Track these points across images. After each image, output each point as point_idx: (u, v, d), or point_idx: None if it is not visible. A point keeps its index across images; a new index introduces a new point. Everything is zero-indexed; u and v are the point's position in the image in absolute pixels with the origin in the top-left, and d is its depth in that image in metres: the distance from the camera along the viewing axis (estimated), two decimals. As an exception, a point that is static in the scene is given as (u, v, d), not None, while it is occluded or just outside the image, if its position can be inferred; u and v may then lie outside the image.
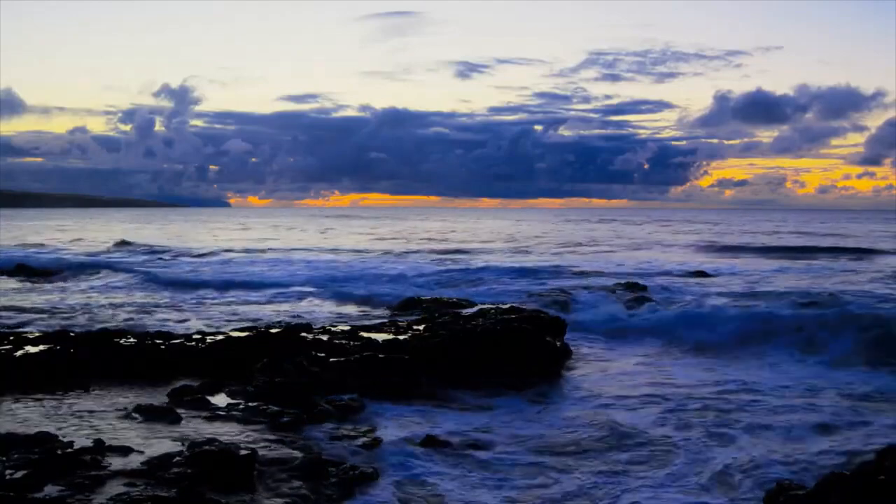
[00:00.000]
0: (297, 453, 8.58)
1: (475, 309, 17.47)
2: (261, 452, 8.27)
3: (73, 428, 9.34)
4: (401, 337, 14.55)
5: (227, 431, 9.31)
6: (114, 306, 22.19)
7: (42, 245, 49.48)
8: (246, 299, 24.32)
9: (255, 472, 7.83)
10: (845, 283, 28.21)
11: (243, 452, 7.97)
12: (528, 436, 10.47)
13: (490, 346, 13.56)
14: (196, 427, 9.53)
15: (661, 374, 14.15)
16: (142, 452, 8.15)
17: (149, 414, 9.93)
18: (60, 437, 8.50)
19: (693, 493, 8.45)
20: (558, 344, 14.52)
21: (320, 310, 22.10)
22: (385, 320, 17.90)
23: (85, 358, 12.58)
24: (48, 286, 28.09)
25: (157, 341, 13.85)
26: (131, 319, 19.55)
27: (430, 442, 9.70)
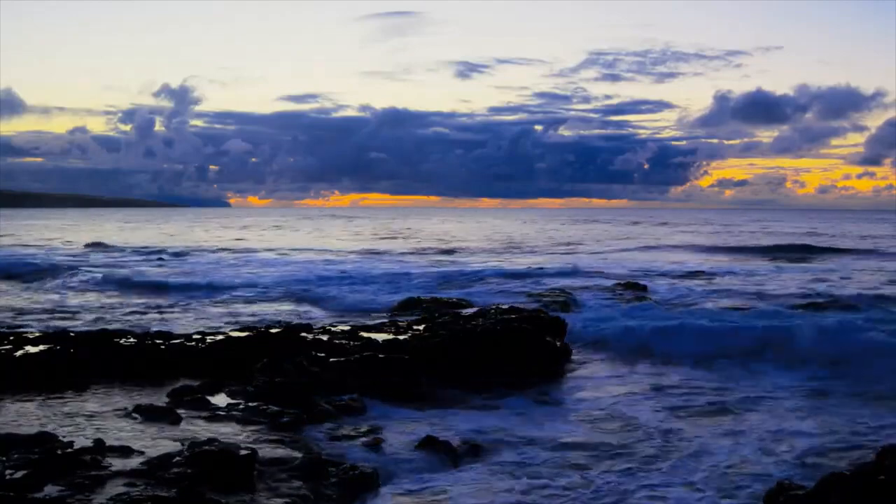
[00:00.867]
0: (297, 453, 8.58)
1: (475, 309, 17.48)
2: (261, 452, 8.26)
3: (73, 428, 9.34)
4: (401, 337, 14.55)
5: (227, 431, 9.31)
6: (57, 309, 21.64)
7: (8, 246, 48.51)
8: (201, 302, 23.36)
9: (255, 472, 7.83)
10: (840, 284, 28.26)
11: (243, 452, 7.96)
12: (527, 436, 10.46)
13: (490, 347, 13.55)
14: (196, 427, 9.53)
15: (662, 374, 14.15)
16: (142, 452, 8.15)
17: (149, 414, 9.93)
18: (60, 437, 8.50)
19: (693, 493, 8.45)
20: (558, 344, 14.51)
21: (278, 317, 20.54)
22: (385, 320, 17.91)
23: (85, 358, 12.59)
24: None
25: (157, 341, 13.85)
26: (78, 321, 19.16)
27: (429, 442, 9.68)
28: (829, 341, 15.48)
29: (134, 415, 9.97)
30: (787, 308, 21.03)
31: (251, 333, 14.51)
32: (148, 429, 9.36)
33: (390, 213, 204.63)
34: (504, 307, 17.05)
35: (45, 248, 48.09)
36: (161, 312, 21.32)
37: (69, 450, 7.98)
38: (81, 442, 8.36)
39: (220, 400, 10.98)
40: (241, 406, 10.54)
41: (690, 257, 41.92)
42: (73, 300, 23.99)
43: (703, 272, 32.00)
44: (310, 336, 14.47)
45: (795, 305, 21.67)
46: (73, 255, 42.44)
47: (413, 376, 12.60)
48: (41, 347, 12.95)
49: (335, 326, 16.17)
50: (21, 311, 21.12)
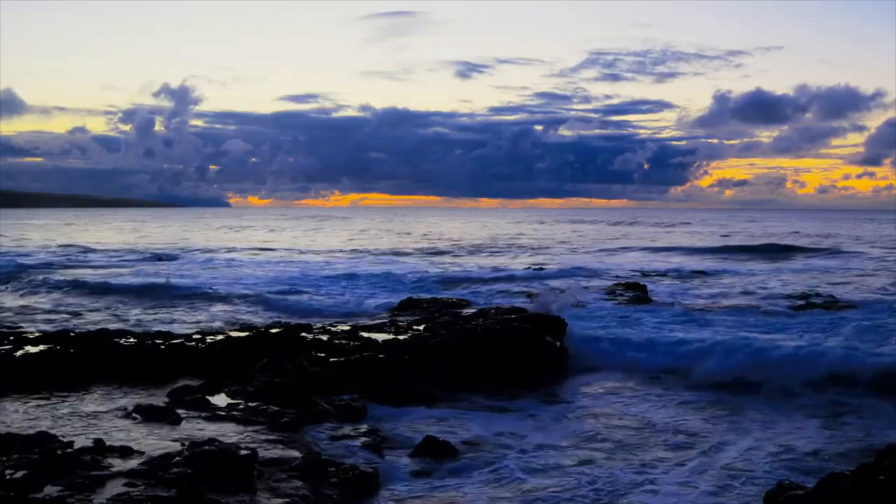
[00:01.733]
0: (297, 453, 8.58)
1: (475, 309, 17.48)
2: (261, 452, 8.26)
3: (73, 428, 9.35)
4: (401, 337, 14.55)
5: (227, 431, 9.31)
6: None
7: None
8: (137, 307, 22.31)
9: (255, 472, 7.83)
10: (835, 283, 28.27)
11: (243, 452, 7.96)
12: (527, 435, 10.47)
13: (490, 347, 13.55)
14: (196, 427, 9.53)
15: (662, 373, 14.14)
16: (142, 452, 8.15)
17: (149, 414, 9.92)
18: (60, 437, 8.50)
19: (694, 493, 8.45)
20: (559, 344, 14.51)
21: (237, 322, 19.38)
22: (385, 320, 17.91)
23: (85, 358, 12.59)
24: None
25: (157, 341, 13.86)
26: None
27: (429, 443, 9.68)
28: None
29: (134, 415, 9.97)
30: (784, 308, 21.13)
31: (251, 333, 14.52)
32: (148, 429, 9.36)
33: (390, 213, 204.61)
34: (504, 307, 17.07)
35: (12, 250, 45.01)
36: (78, 315, 20.50)
37: (69, 450, 7.98)
38: (81, 442, 8.36)
39: (220, 400, 10.98)
40: (241, 406, 10.54)
41: (690, 257, 41.91)
42: (12, 303, 23.10)
43: (703, 272, 32.00)
44: (310, 336, 14.48)
45: (792, 305, 21.70)
46: (38, 256, 40.82)
47: (413, 377, 12.61)
48: (41, 347, 12.96)
49: (335, 326, 16.17)
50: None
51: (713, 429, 10.76)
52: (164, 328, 16.94)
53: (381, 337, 14.57)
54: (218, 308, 22.34)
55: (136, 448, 8.29)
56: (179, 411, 10.10)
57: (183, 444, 8.27)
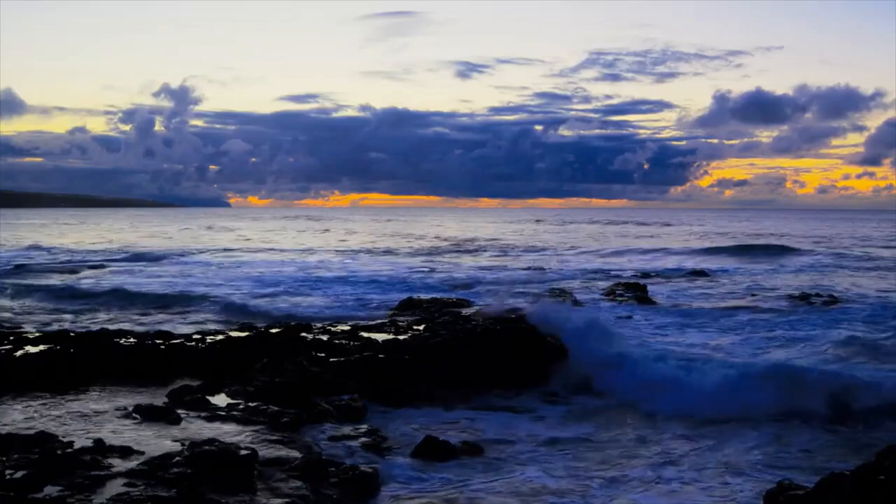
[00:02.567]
0: (297, 453, 8.58)
1: (475, 309, 17.48)
2: (261, 452, 8.26)
3: (73, 428, 9.34)
4: (401, 337, 14.55)
5: (227, 431, 9.31)
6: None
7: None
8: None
9: (255, 472, 7.83)
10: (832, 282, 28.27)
11: (243, 452, 7.96)
12: (527, 434, 10.48)
13: (490, 346, 13.55)
14: (196, 427, 9.53)
15: (662, 374, 14.11)
16: (142, 452, 8.15)
17: (149, 414, 9.92)
18: (60, 437, 8.50)
19: (694, 492, 8.45)
20: (558, 344, 14.50)
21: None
22: (385, 320, 17.90)
23: (85, 358, 12.59)
24: None
25: (157, 341, 13.85)
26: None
27: (429, 443, 9.69)
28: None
29: (134, 415, 9.97)
30: (782, 308, 21.15)
31: (251, 333, 14.51)
32: (148, 429, 9.36)
33: (390, 213, 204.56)
34: (504, 306, 17.05)
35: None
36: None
37: (69, 450, 7.98)
38: (81, 442, 8.36)
39: (220, 400, 10.97)
40: (241, 406, 10.54)
41: (691, 257, 41.89)
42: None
43: (703, 272, 31.99)
44: (310, 336, 14.47)
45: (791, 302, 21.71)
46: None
47: (413, 376, 12.61)
48: (41, 347, 12.96)
49: (335, 326, 16.17)
50: None
51: (712, 428, 10.75)
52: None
53: (381, 337, 14.57)
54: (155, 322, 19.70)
55: (136, 448, 8.29)
56: (179, 411, 10.09)
57: (183, 444, 8.27)
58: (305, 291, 25.74)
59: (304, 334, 14.54)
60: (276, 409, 10.27)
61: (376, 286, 27.06)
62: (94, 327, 16.98)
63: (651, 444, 10.11)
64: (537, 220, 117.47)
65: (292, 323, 16.65)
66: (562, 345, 14.55)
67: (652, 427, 10.89)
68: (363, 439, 9.77)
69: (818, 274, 32.32)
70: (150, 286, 26.49)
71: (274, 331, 14.64)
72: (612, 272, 32.37)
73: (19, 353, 12.65)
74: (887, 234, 69.09)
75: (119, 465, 7.73)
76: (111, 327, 16.29)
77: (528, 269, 34.96)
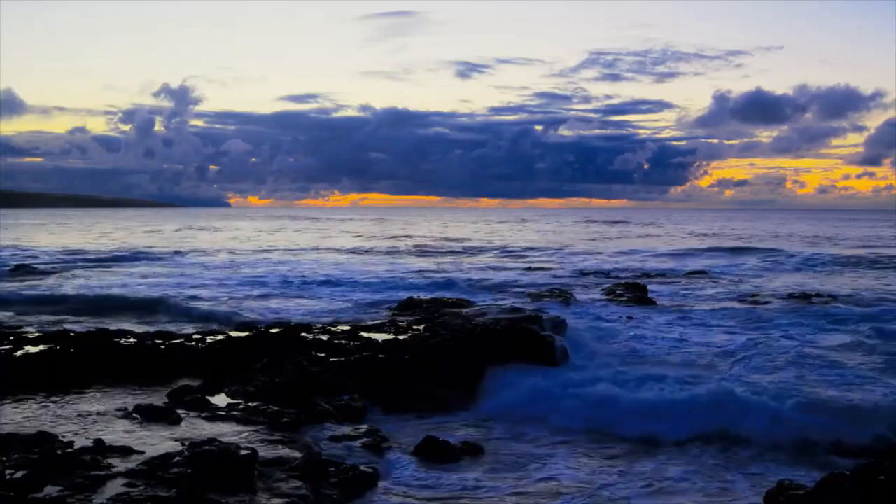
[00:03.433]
0: (297, 453, 8.58)
1: (475, 309, 17.47)
2: (261, 452, 8.26)
3: (73, 428, 9.35)
4: (401, 337, 14.55)
5: (227, 431, 9.31)
6: None
7: None
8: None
9: (255, 472, 7.83)
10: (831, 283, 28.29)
11: (243, 452, 7.96)
12: (527, 433, 10.48)
13: (491, 346, 13.54)
14: (196, 427, 9.53)
15: (662, 373, 14.11)
16: (142, 452, 8.15)
17: (149, 414, 9.92)
18: (60, 437, 8.50)
19: (694, 491, 8.45)
20: (558, 343, 14.50)
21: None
22: (385, 320, 17.90)
23: (85, 358, 12.59)
24: None
25: (157, 341, 13.85)
26: None
27: (429, 442, 9.69)
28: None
29: (134, 415, 9.97)
30: (780, 306, 21.16)
31: (251, 333, 14.52)
32: (148, 429, 9.36)
33: (390, 213, 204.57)
34: (504, 306, 17.06)
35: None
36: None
37: (69, 450, 7.99)
38: (81, 442, 8.37)
39: (220, 400, 10.98)
40: (241, 406, 10.54)
41: (691, 257, 41.92)
42: None
43: (704, 272, 32.01)
44: (310, 336, 14.47)
45: (790, 302, 21.73)
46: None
47: (413, 376, 12.60)
48: (41, 347, 12.96)
49: (335, 326, 16.17)
50: None
51: (711, 426, 10.73)
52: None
53: (381, 337, 14.57)
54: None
55: (136, 448, 8.29)
56: (179, 411, 10.10)
57: (183, 444, 8.28)
58: (299, 293, 25.52)
59: (304, 334, 14.54)
60: (276, 409, 10.27)
61: (376, 286, 27.05)
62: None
63: (653, 443, 10.10)
64: (538, 221, 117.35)
65: (293, 322, 16.65)
66: (563, 343, 14.57)
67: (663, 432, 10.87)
68: (363, 439, 9.77)
69: (819, 274, 32.34)
70: (109, 290, 25.20)
71: (274, 331, 14.65)
72: (612, 272, 32.37)
73: (19, 353, 12.66)
74: (889, 234, 69.14)
75: (119, 465, 7.73)
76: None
77: (528, 269, 34.96)
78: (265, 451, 8.47)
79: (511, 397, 12.19)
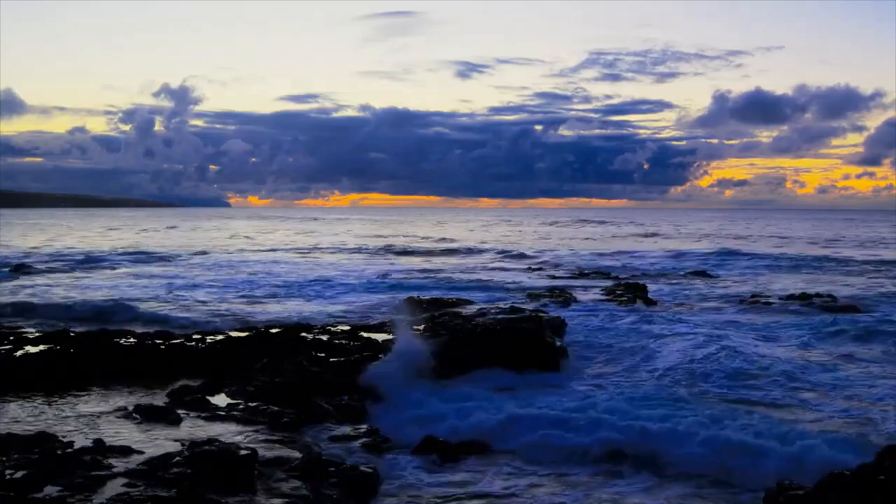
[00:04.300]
0: (297, 453, 8.57)
1: (475, 308, 17.46)
2: (261, 452, 8.26)
3: (73, 428, 9.35)
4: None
5: (227, 431, 9.30)
6: None
7: None
8: None
9: (255, 472, 7.83)
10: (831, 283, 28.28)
11: (243, 452, 7.96)
12: (527, 433, 10.46)
13: (491, 346, 13.54)
14: (196, 427, 9.52)
15: (662, 373, 14.12)
16: (142, 452, 8.15)
17: (149, 414, 9.92)
18: (60, 437, 8.50)
19: (694, 491, 8.45)
20: (558, 343, 14.51)
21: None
22: (385, 320, 17.89)
23: (85, 358, 12.59)
24: None
25: (157, 341, 13.85)
26: None
27: (429, 442, 9.68)
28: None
29: (134, 415, 9.96)
30: (781, 305, 21.14)
31: (251, 333, 14.51)
32: (148, 429, 9.36)
33: (390, 213, 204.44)
34: (504, 306, 17.06)
35: None
36: None
37: (69, 450, 7.98)
38: (81, 442, 8.36)
39: (220, 400, 10.97)
40: (241, 406, 10.54)
41: (691, 257, 41.91)
42: None
43: (704, 272, 32.00)
44: (310, 336, 14.46)
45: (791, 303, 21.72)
46: None
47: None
48: (41, 347, 12.96)
49: (335, 326, 16.16)
50: None
51: (710, 426, 10.72)
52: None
53: (380, 337, 14.56)
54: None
55: (136, 448, 8.28)
56: (179, 411, 10.09)
57: (183, 444, 8.26)
58: (298, 293, 25.32)
59: (304, 334, 14.53)
60: (276, 409, 10.27)
61: (376, 286, 27.05)
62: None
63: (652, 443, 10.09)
64: (539, 222, 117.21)
65: (293, 322, 16.65)
66: (563, 343, 14.58)
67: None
68: (363, 439, 9.77)
69: (820, 274, 32.35)
70: (108, 290, 24.93)
71: (274, 331, 14.64)
72: (613, 272, 32.36)
73: (19, 353, 12.65)
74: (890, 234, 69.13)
75: (119, 465, 7.72)
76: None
77: (528, 269, 34.98)
78: (265, 451, 8.46)
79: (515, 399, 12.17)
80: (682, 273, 32.23)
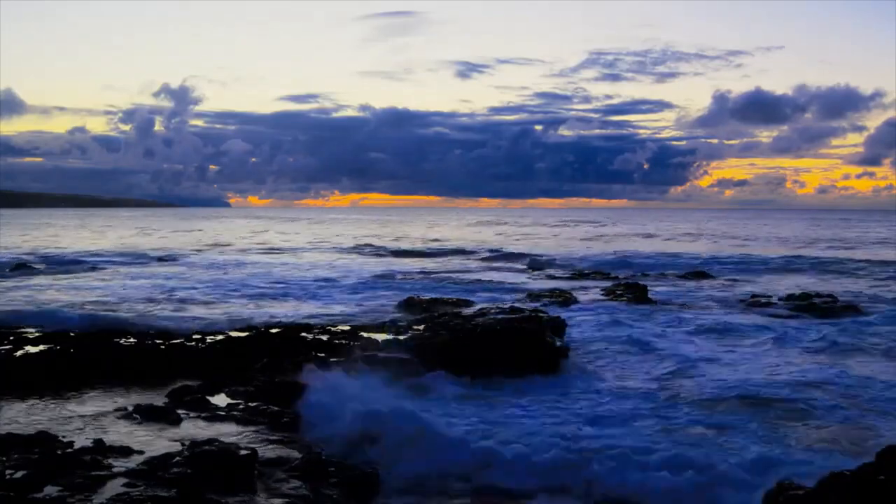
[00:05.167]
0: (297, 453, 8.58)
1: (475, 308, 17.48)
2: (261, 452, 8.26)
3: (73, 428, 9.35)
4: (401, 337, 14.54)
5: (227, 431, 9.31)
6: None
7: None
8: None
9: (255, 472, 7.83)
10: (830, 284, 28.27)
11: (243, 452, 7.97)
12: (527, 433, 10.46)
13: (491, 346, 13.54)
14: (196, 427, 9.53)
15: (661, 372, 14.11)
16: (142, 452, 8.15)
17: (149, 414, 9.93)
18: (60, 437, 8.50)
19: (693, 491, 8.45)
20: (558, 343, 14.50)
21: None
22: (385, 320, 17.90)
23: (85, 358, 12.59)
24: None
25: (157, 341, 13.85)
26: None
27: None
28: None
29: (134, 415, 9.97)
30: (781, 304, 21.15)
31: (251, 333, 14.52)
32: (148, 429, 9.36)
33: (390, 213, 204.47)
34: (504, 306, 17.06)
35: None
36: None
37: (69, 450, 7.99)
38: (81, 442, 8.36)
39: (220, 400, 10.98)
40: (241, 406, 10.54)
41: (691, 258, 41.94)
42: None
43: (703, 272, 32.01)
44: (310, 336, 14.47)
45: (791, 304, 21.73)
46: None
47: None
48: (41, 347, 12.97)
49: (335, 326, 16.17)
50: None
51: (711, 426, 10.74)
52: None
53: (381, 337, 14.57)
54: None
55: (136, 448, 8.29)
56: (179, 411, 10.10)
57: (183, 444, 8.27)
58: (298, 293, 24.96)
59: (304, 334, 14.54)
60: (276, 409, 10.27)
61: (376, 286, 27.04)
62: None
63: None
64: (539, 222, 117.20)
65: (293, 322, 16.64)
66: (563, 344, 14.57)
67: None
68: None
69: (820, 275, 32.35)
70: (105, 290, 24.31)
71: (274, 331, 14.65)
72: (612, 272, 32.35)
73: (19, 353, 12.66)
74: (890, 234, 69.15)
75: (119, 465, 7.73)
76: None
77: (528, 268, 34.98)
78: (265, 451, 8.47)
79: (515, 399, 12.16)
80: (682, 273, 32.22)
